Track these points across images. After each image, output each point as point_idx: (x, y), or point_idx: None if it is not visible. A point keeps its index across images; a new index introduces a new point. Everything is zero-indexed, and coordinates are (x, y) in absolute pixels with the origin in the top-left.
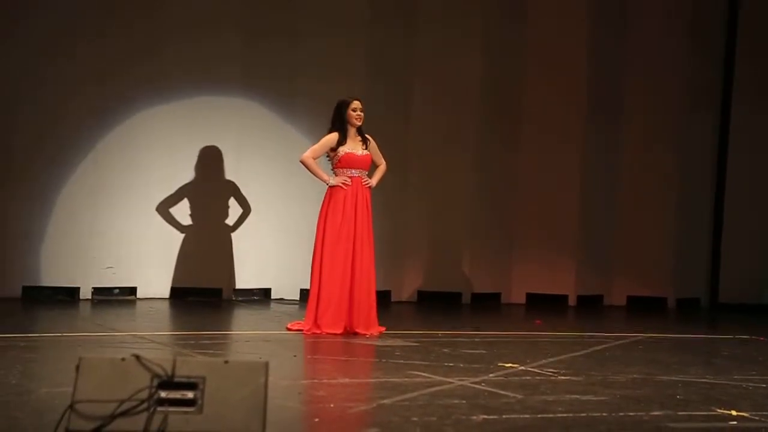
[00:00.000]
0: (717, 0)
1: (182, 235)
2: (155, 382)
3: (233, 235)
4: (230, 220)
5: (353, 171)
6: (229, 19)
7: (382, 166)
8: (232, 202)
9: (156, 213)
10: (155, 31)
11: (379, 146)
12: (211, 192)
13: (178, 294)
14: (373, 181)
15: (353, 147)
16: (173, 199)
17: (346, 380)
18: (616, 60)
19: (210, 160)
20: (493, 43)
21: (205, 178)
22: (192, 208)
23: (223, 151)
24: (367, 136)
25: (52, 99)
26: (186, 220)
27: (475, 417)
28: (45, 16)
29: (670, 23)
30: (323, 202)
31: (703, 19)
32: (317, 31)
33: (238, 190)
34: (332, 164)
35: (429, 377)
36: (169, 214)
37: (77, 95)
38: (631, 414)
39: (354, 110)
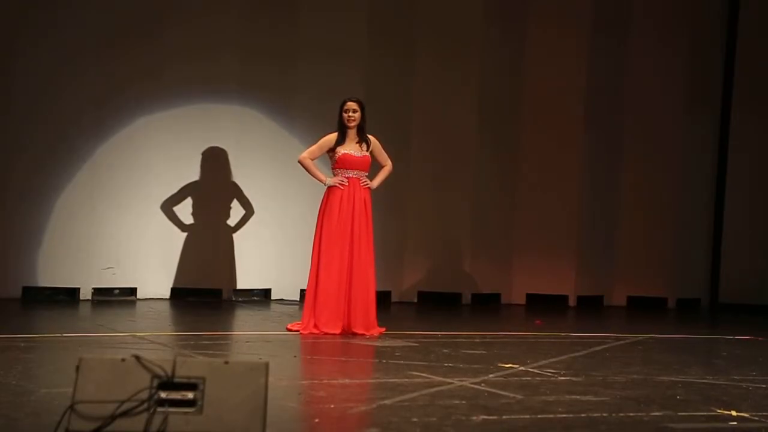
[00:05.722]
0: (717, 1)
1: (182, 236)
2: (155, 383)
3: (234, 235)
4: (230, 221)
5: (351, 172)
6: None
7: (387, 167)
8: (233, 203)
9: (156, 214)
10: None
11: (384, 147)
12: (211, 193)
13: (178, 294)
14: (375, 183)
15: (350, 148)
16: (173, 199)
17: (346, 381)
18: (616, 61)
19: (210, 161)
20: (492, 42)
21: (204, 180)
22: (192, 208)
23: (223, 153)
24: (369, 137)
25: (53, 102)
26: (186, 220)
27: (475, 417)
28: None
29: (670, 25)
30: (321, 202)
31: (702, 21)
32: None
33: (241, 191)
34: (331, 164)
35: (429, 378)
36: (170, 214)
37: (78, 102)
38: (631, 414)
39: (346, 111)
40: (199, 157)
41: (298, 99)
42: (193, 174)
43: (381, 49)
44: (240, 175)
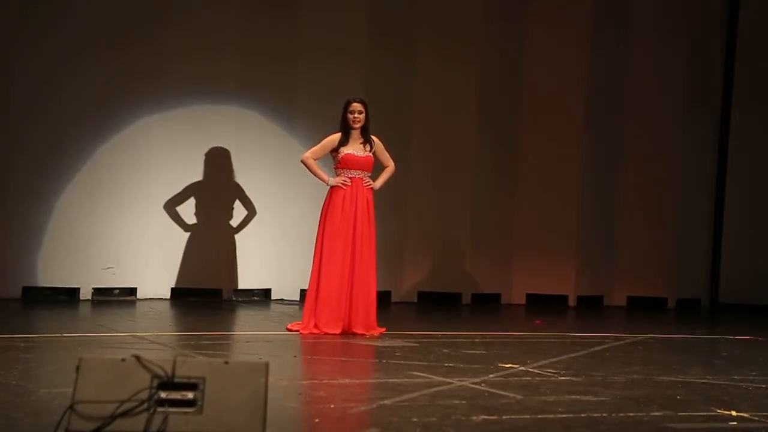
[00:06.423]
0: (717, 1)
1: (182, 236)
2: (155, 383)
3: (234, 236)
4: (232, 221)
5: (353, 172)
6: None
7: (390, 168)
8: (234, 203)
9: (156, 214)
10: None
11: (385, 147)
12: (211, 193)
13: (179, 294)
14: (377, 183)
15: (353, 148)
16: (174, 200)
17: (346, 381)
18: (616, 61)
19: (211, 161)
20: (492, 42)
21: (205, 180)
22: (192, 208)
23: (223, 154)
24: (372, 137)
25: (53, 102)
26: (187, 220)
27: (475, 417)
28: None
29: (670, 25)
30: (324, 202)
31: (703, 21)
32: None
33: (243, 191)
34: (334, 164)
35: (429, 378)
36: (170, 214)
37: (78, 102)
38: (631, 414)
39: (351, 112)
40: (200, 158)
41: (298, 99)
42: (193, 174)
43: (381, 49)
44: (240, 176)
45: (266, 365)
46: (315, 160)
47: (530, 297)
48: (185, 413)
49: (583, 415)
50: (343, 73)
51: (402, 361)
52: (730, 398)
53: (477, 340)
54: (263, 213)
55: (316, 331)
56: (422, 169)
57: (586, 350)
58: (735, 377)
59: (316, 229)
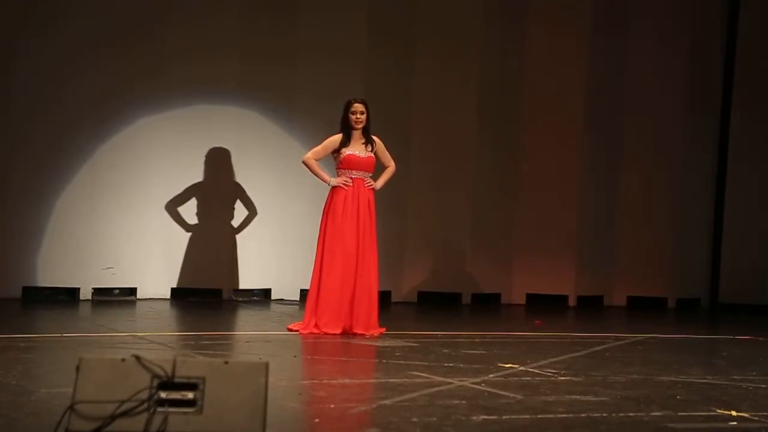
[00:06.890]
0: (717, 1)
1: (182, 236)
2: (155, 383)
3: (234, 236)
4: (232, 222)
5: (355, 172)
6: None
7: (390, 168)
8: (234, 203)
9: (156, 214)
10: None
11: (387, 147)
12: (212, 193)
13: (179, 294)
14: (378, 183)
15: (355, 149)
16: (175, 200)
17: (347, 381)
18: (616, 61)
19: (211, 162)
20: (492, 42)
21: (205, 180)
22: (193, 208)
23: (224, 154)
24: (373, 137)
25: (53, 102)
26: (187, 220)
27: (475, 417)
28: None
29: (670, 25)
30: (325, 202)
31: (703, 21)
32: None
33: (244, 192)
34: (335, 165)
35: (429, 378)
36: (171, 214)
37: (78, 102)
38: (631, 414)
39: (353, 113)
40: (200, 158)
41: (298, 99)
42: (193, 174)
43: (381, 49)
44: (240, 176)
45: (266, 365)
46: (316, 160)
47: (530, 297)
48: (185, 413)
49: (583, 415)
50: (343, 73)
51: (402, 361)
52: (730, 398)
53: (477, 340)
54: (263, 213)
55: (316, 331)
56: (422, 169)
57: (586, 350)
58: (735, 377)
59: (317, 230)
